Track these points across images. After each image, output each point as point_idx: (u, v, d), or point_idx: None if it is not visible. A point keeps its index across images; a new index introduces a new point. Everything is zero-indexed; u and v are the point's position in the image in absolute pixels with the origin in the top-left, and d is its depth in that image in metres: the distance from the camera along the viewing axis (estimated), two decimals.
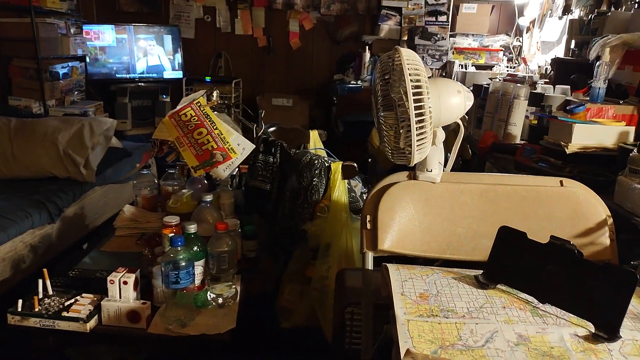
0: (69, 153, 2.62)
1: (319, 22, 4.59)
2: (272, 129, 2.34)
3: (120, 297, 1.44)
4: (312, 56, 4.71)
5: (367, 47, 4.42)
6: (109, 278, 1.43)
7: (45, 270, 1.49)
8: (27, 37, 3.39)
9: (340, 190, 1.88)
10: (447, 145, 1.22)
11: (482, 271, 0.95)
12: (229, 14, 4.57)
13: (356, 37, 4.58)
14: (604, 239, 1.13)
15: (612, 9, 2.63)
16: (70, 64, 3.88)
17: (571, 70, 2.46)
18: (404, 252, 1.12)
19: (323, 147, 2.31)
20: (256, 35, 4.63)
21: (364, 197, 1.79)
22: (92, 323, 1.40)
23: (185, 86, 4.36)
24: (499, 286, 0.93)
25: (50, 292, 1.48)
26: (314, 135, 2.31)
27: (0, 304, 1.76)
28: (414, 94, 0.97)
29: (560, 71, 2.76)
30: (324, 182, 1.92)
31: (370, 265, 1.14)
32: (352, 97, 4.14)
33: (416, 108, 0.98)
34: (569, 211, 1.14)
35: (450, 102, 1.06)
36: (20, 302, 1.42)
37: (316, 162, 1.92)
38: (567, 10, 3.30)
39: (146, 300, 1.46)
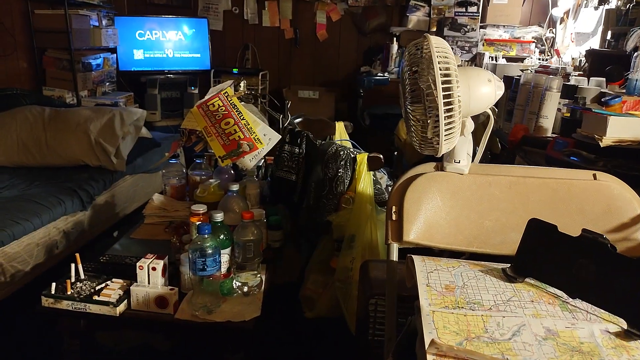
0: (100, 142, 2.69)
1: (346, 14, 4.56)
2: (298, 120, 2.35)
3: (148, 283, 1.47)
4: (339, 48, 4.69)
5: (394, 38, 4.37)
6: (138, 264, 1.47)
7: (77, 254, 1.53)
8: (60, 29, 3.49)
9: (365, 181, 1.87)
10: (476, 139, 1.19)
11: (509, 265, 0.93)
12: (257, 6, 4.59)
13: (384, 28, 4.53)
14: (639, 234, 1.09)
15: None
16: (102, 55, 3.96)
17: (607, 62, 2.37)
18: (430, 244, 1.11)
19: (349, 139, 2.30)
20: (283, 27, 4.64)
21: (390, 190, 1.78)
22: (121, 307, 1.44)
23: (213, 78, 4.40)
24: (527, 280, 0.91)
25: (82, 277, 1.53)
26: (339, 126, 2.30)
27: (34, 287, 1.83)
28: (443, 82, 0.95)
29: (595, 63, 2.67)
30: (350, 173, 1.92)
31: (395, 256, 1.13)
32: (379, 90, 4.10)
33: (445, 97, 0.96)
34: (602, 205, 1.10)
35: (480, 91, 1.04)
36: (53, 285, 1.47)
37: (342, 153, 1.92)
38: (603, 0, 3.19)
39: (174, 286, 1.49)
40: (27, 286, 2.02)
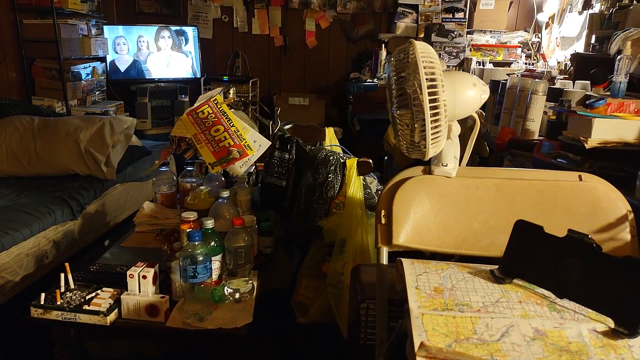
0: (90, 151, 2.68)
1: (335, 21, 4.59)
2: (288, 126, 2.35)
3: (139, 291, 1.46)
4: (328, 55, 4.72)
5: (383, 45, 4.41)
6: (128, 272, 1.46)
7: (67, 264, 1.52)
8: (49, 38, 3.48)
9: (355, 186, 1.88)
10: (465, 142, 1.21)
11: (498, 266, 0.94)
12: (246, 14, 4.60)
13: (372, 35, 4.57)
14: (625, 234, 1.11)
15: (635, 2, 2.58)
16: (91, 64, 3.95)
17: (591, 65, 2.41)
18: (419, 247, 1.12)
19: (339, 144, 2.31)
20: (273, 35, 4.66)
21: (380, 193, 1.79)
22: (112, 316, 1.43)
23: (203, 86, 4.41)
24: (515, 281, 0.92)
25: (72, 286, 1.52)
26: (329, 132, 2.31)
27: (23, 297, 1.82)
28: (429, 87, 0.97)
29: (580, 67, 2.71)
30: (340, 178, 1.92)
31: (385, 260, 1.13)
32: (368, 96, 4.13)
33: (431, 101, 0.97)
34: (588, 206, 1.12)
35: (466, 95, 1.05)
36: (43, 295, 1.45)
37: (332, 158, 1.93)
38: (587, 4, 3.25)
39: (165, 294, 1.48)
40: (17, 297, 2.00)
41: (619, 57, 1.89)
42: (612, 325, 0.80)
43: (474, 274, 0.94)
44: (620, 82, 1.85)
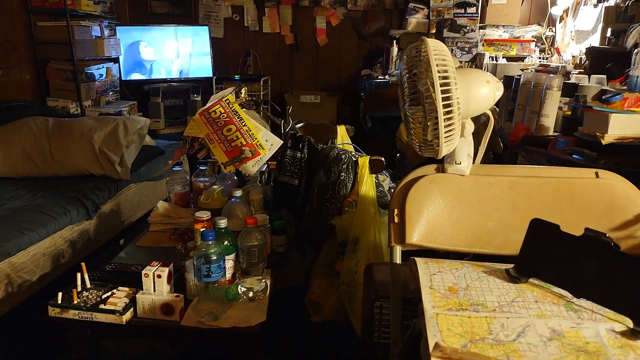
0: (104, 151, 2.70)
1: (345, 18, 4.58)
2: (299, 124, 2.35)
3: (154, 291, 1.47)
4: (339, 52, 4.70)
5: (394, 41, 4.39)
6: (143, 272, 1.47)
7: (83, 264, 1.54)
8: (63, 40, 3.52)
9: (368, 184, 1.87)
10: (478, 139, 1.19)
11: (513, 265, 0.93)
12: (257, 13, 4.61)
13: (383, 32, 4.55)
14: None
15: None
16: (104, 65, 3.99)
17: (607, 59, 2.37)
18: (432, 246, 1.11)
19: (351, 142, 2.30)
20: (284, 33, 4.66)
21: (392, 192, 1.78)
22: (127, 315, 1.45)
23: (215, 85, 4.43)
24: (531, 280, 0.91)
25: (88, 286, 1.53)
26: (341, 130, 2.31)
27: (41, 297, 1.85)
28: (442, 85, 0.96)
29: (596, 61, 2.66)
30: (352, 176, 1.92)
31: (398, 259, 1.13)
32: (380, 93, 4.11)
33: (444, 99, 0.96)
34: (604, 203, 1.10)
35: (479, 93, 1.04)
36: (60, 295, 1.48)
37: (343, 156, 1.92)
38: None
39: (179, 293, 1.49)
40: (34, 296, 2.03)
41: (635, 50, 1.86)
42: (631, 325, 0.79)
43: (488, 273, 0.94)
44: (637, 77, 1.81)
